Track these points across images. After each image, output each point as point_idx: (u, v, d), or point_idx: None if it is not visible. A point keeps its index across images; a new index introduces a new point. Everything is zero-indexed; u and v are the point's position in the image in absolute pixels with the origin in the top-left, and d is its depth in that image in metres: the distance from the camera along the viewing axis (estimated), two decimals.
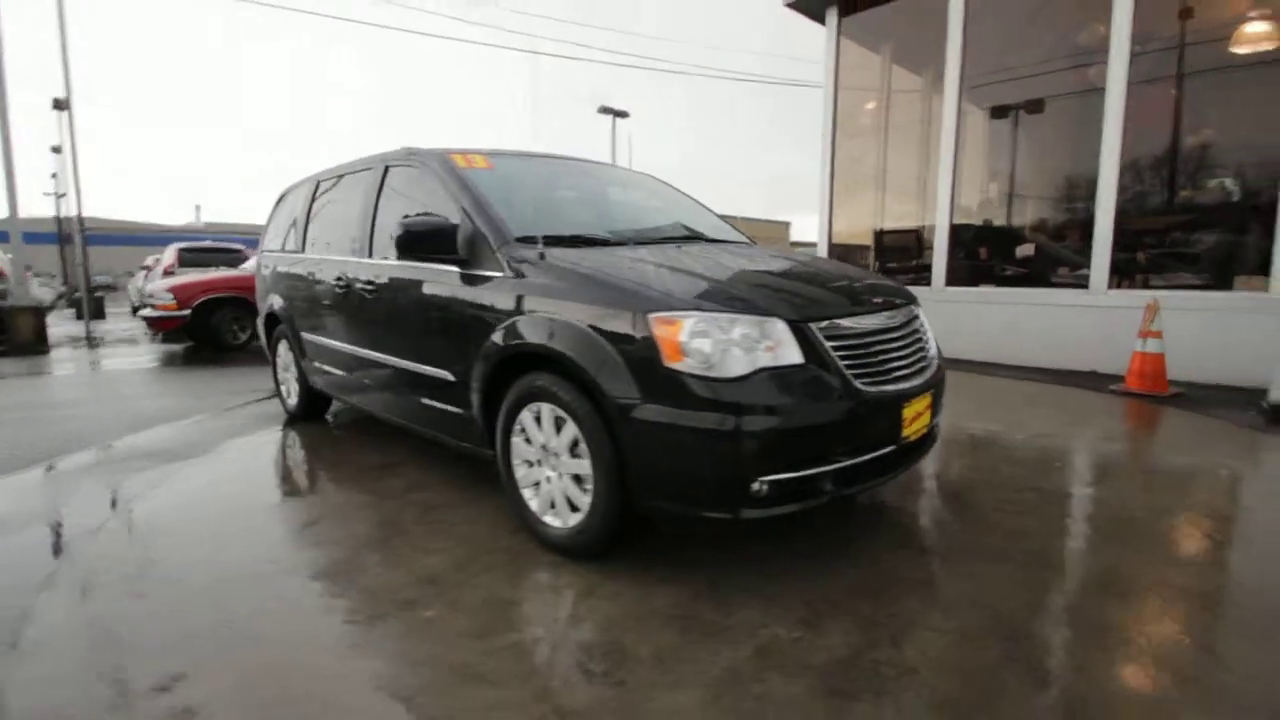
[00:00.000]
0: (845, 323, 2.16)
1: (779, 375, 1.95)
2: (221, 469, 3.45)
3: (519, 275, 2.39)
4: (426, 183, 2.98)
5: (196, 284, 8.34)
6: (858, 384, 2.07)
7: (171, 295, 8.11)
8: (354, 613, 1.98)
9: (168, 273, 11.02)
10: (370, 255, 3.24)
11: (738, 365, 1.93)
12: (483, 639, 1.85)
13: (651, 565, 2.23)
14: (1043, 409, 4.45)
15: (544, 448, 2.33)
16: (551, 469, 2.33)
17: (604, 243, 2.71)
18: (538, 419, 2.34)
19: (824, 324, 2.09)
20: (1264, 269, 4.81)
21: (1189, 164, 5.50)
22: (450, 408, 2.74)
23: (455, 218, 2.68)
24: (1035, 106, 6.35)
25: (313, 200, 4.02)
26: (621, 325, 2.04)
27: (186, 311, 8.12)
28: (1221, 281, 5.12)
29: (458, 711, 1.54)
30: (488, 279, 2.50)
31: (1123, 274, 5.56)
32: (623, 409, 2.00)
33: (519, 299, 2.35)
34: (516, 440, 2.44)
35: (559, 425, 2.25)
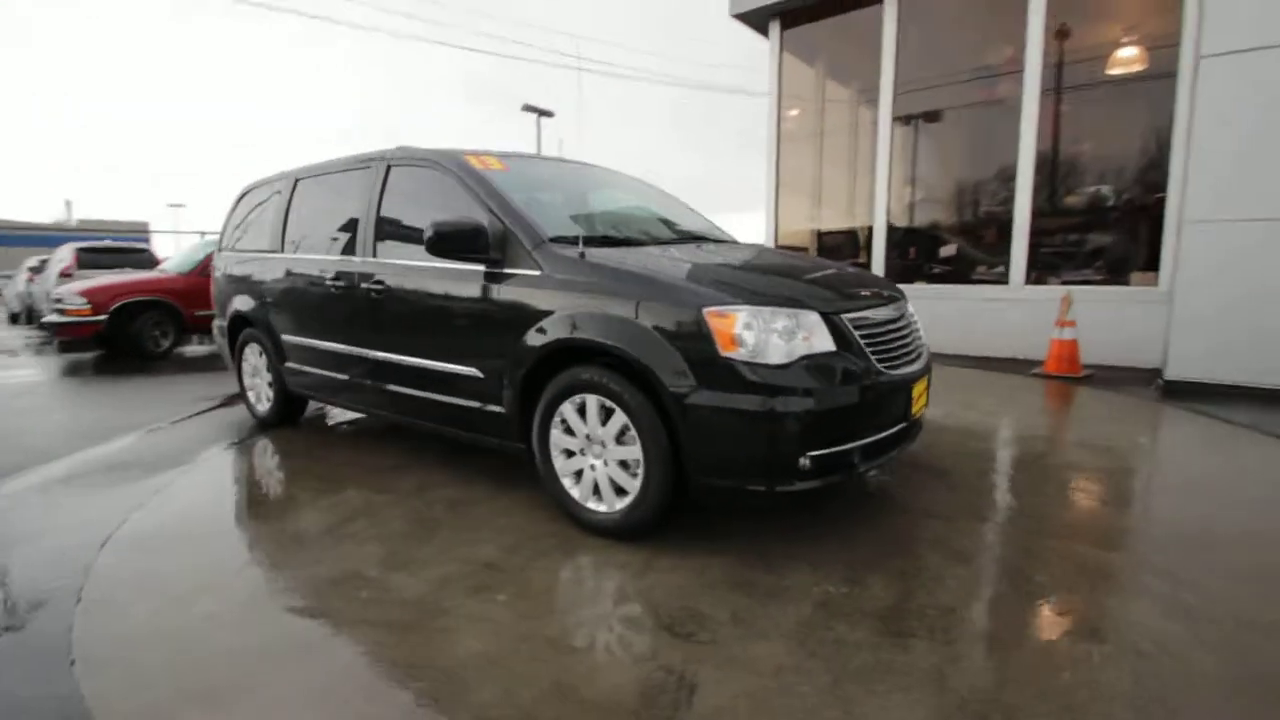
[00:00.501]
0: (866, 314, 2.43)
1: (819, 361, 2.19)
2: (215, 477, 3.33)
3: (558, 273, 2.51)
4: (441, 183, 3.02)
5: (113, 287, 7.70)
6: (880, 368, 2.35)
7: (84, 299, 7.45)
8: (434, 602, 2.05)
9: (65, 275, 10.04)
10: (374, 255, 3.23)
11: (784, 353, 2.15)
12: (565, 614, 1.98)
13: (694, 541, 2.41)
14: (981, 392, 4.98)
15: (588, 437, 2.47)
16: (595, 457, 2.47)
17: (630, 242, 2.86)
18: (580, 410, 2.47)
19: (851, 315, 2.35)
20: (1155, 265, 5.58)
21: (1088, 172, 6.26)
22: (476, 404, 2.80)
23: (478, 218, 2.75)
24: (957, 117, 7.01)
25: (291, 198, 3.91)
26: (676, 320, 2.21)
27: (102, 317, 7.49)
28: (1118, 277, 5.89)
29: (574, 678, 1.67)
30: (522, 277, 2.60)
31: (1036, 270, 6.26)
32: (679, 396, 2.17)
33: (562, 296, 2.47)
34: (555, 432, 2.56)
35: (605, 415, 2.39)
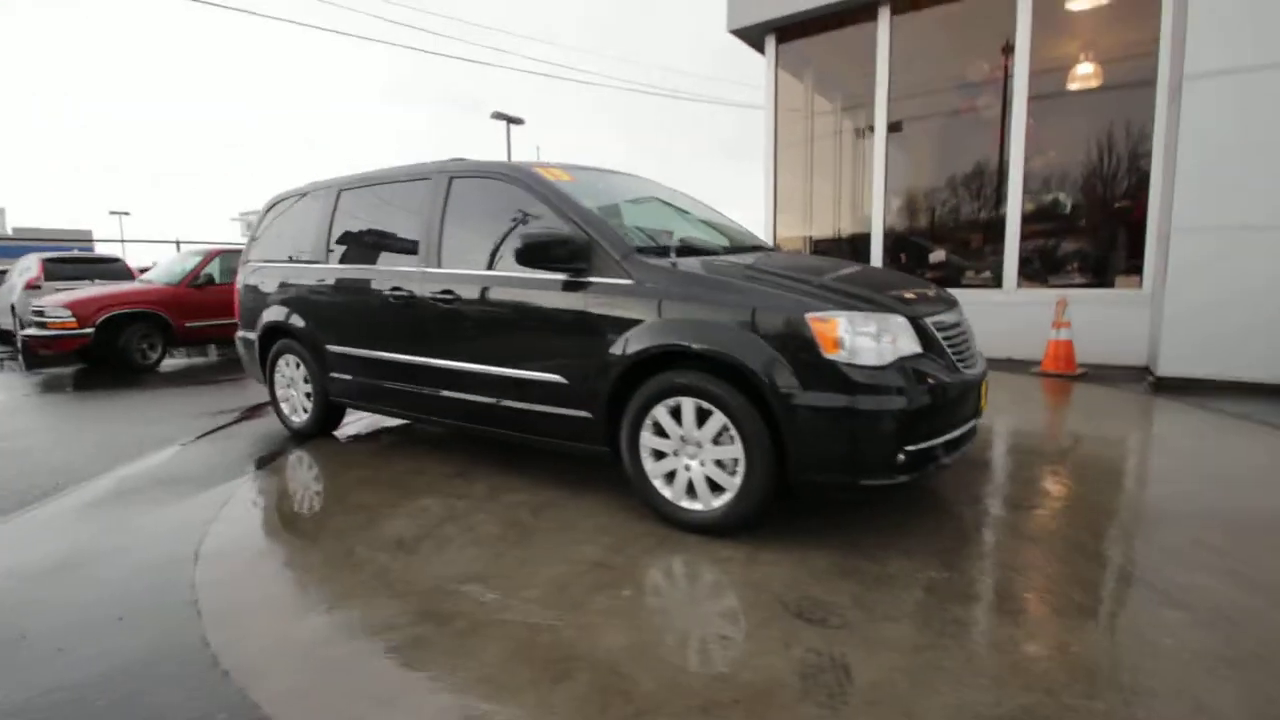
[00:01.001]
0: (940, 318, 2.60)
1: (911, 363, 2.35)
2: (278, 487, 3.31)
3: (650, 282, 2.61)
4: (509, 195, 3.09)
5: (100, 298, 7.43)
6: (959, 368, 2.52)
7: (69, 312, 7.16)
8: (563, 600, 2.12)
9: (32, 287, 9.60)
10: (440, 265, 3.28)
11: (881, 355, 2.30)
12: (693, 606, 2.08)
13: (785, 535, 2.54)
14: (992, 390, 5.24)
15: (682, 439, 2.57)
16: (689, 458, 2.57)
17: (703, 251, 2.98)
18: (673, 413, 2.57)
19: (931, 319, 2.52)
20: (1138, 269, 5.98)
21: (1071, 182, 6.66)
22: (558, 409, 2.88)
23: (563, 229, 2.83)
24: (949, 128, 7.35)
25: (334, 209, 3.91)
26: (780, 325, 2.34)
27: (88, 330, 7.21)
28: (1103, 280, 6.29)
29: (729, 665, 1.77)
30: (611, 286, 2.69)
31: (1026, 276, 6.62)
32: (786, 397, 2.30)
33: (657, 304, 2.57)
34: (645, 434, 2.65)
35: (702, 417, 2.50)
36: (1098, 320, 5.99)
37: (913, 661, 1.75)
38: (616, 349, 2.65)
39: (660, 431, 2.62)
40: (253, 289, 4.43)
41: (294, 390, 4.26)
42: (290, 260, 4.16)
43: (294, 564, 2.46)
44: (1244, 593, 2.07)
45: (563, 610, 2.06)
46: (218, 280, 8.08)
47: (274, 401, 4.41)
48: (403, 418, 3.97)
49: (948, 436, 2.46)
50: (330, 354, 3.86)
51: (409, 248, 3.45)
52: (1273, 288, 4.71)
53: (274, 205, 4.47)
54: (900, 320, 2.40)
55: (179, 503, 3.12)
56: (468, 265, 3.21)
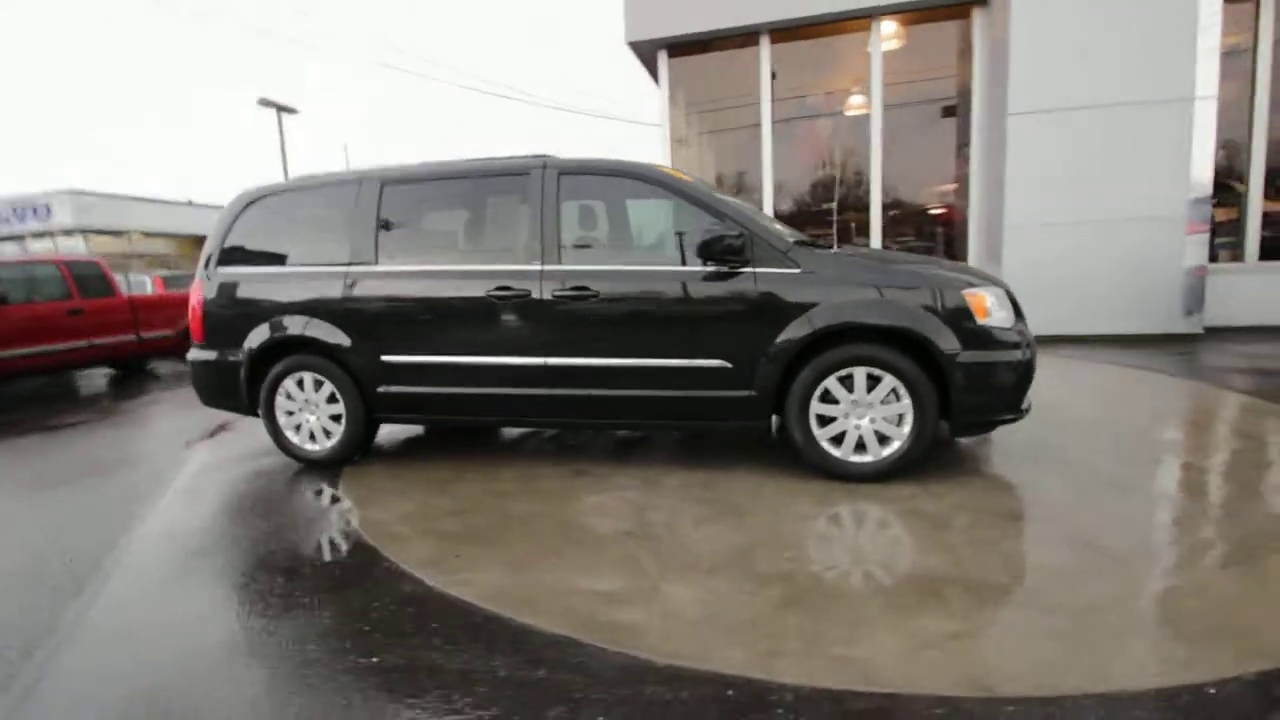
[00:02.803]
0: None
1: (1020, 325, 3.08)
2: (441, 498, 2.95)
3: (820, 270, 2.98)
4: (640, 192, 3.21)
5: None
6: None
7: None
8: (857, 543, 2.43)
9: None
10: (559, 262, 3.22)
11: (1008, 320, 2.99)
12: (951, 531, 2.55)
13: (926, 475, 3.12)
14: None
15: (853, 402, 3.00)
16: (858, 418, 3.01)
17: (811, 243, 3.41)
18: (843, 381, 2.99)
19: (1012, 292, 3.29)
20: (964, 257, 7.77)
21: (914, 184, 8.33)
22: (721, 392, 3.09)
23: (695, 224, 3.07)
24: (820, 137, 8.61)
25: (379, 204, 3.50)
26: (943, 300, 2.89)
27: None
28: None
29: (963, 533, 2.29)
30: (779, 275, 3.00)
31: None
32: (950, 357, 2.87)
33: (830, 288, 2.95)
34: (815, 403, 3.03)
35: (872, 382, 2.97)
36: None
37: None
38: (791, 331, 2.97)
39: (826, 399, 3.02)
40: (234, 301, 3.71)
41: (309, 414, 3.69)
42: (311, 264, 3.59)
43: (525, 557, 2.36)
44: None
45: (860, 549, 2.38)
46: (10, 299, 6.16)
47: (274, 431, 3.75)
48: (482, 425, 3.74)
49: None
50: (386, 365, 3.47)
51: (505, 244, 3.31)
52: (1063, 259, 6.58)
53: (255, 202, 3.77)
54: (1005, 292, 3.13)
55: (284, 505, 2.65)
56: (593, 261, 3.22)
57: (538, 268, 3.25)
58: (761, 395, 3.07)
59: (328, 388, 3.62)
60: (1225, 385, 4.64)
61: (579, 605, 2.10)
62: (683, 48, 7.99)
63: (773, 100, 7.81)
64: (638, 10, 7.64)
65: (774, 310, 3.00)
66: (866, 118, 7.68)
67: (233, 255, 3.77)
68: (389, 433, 4.36)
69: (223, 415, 4.94)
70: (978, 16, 7.11)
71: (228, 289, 3.73)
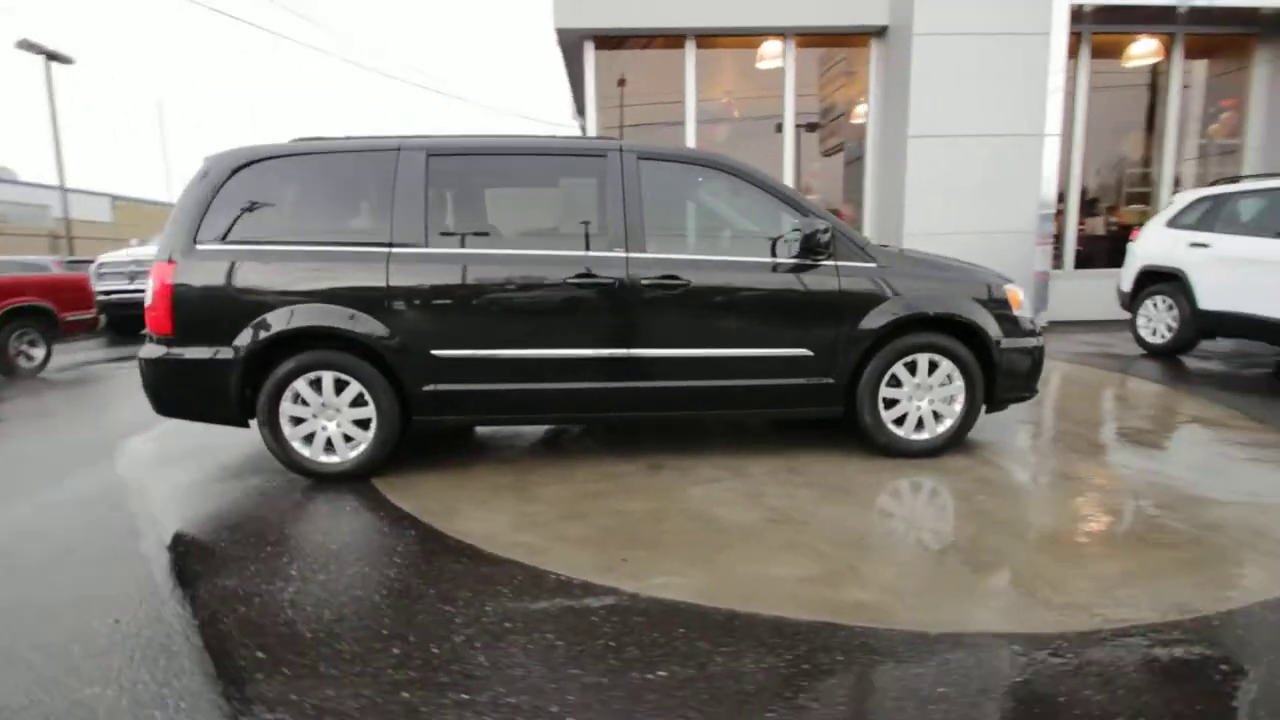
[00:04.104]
0: None
1: (1035, 318, 3.61)
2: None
3: (893, 265, 3.24)
4: (709, 178, 3.24)
5: None
6: None
7: None
8: (955, 509, 2.71)
9: None
10: (644, 250, 3.12)
11: (1028, 312, 3.50)
12: (1009, 490, 2.94)
13: (959, 451, 3.54)
14: None
15: (916, 386, 3.31)
16: (918, 400, 3.33)
17: None
18: (910, 367, 3.29)
19: None
20: None
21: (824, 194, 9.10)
22: (804, 379, 3.23)
23: (768, 216, 3.21)
24: (746, 145, 9.03)
25: (426, 178, 3.09)
26: (990, 294, 3.31)
27: None
28: None
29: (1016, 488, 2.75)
30: (860, 269, 3.21)
31: None
32: (996, 343, 3.29)
33: (899, 283, 3.22)
34: (883, 387, 3.29)
35: (932, 367, 3.30)
36: None
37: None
38: (870, 320, 3.20)
39: (898, 383, 3.30)
40: (222, 287, 3.05)
41: (325, 421, 3.16)
42: (334, 244, 3.07)
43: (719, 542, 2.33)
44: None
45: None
46: None
47: (280, 442, 3.14)
48: (541, 423, 3.49)
49: None
50: (437, 360, 3.09)
51: (579, 229, 3.13)
52: None
53: (245, 166, 3.12)
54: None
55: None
56: (675, 250, 3.18)
57: (622, 254, 3.12)
58: (838, 382, 3.26)
59: (353, 388, 3.13)
60: (1084, 363, 5.80)
61: (800, 592, 2.11)
62: (609, 40, 7.97)
63: (696, 98, 8.09)
64: None
65: (855, 301, 3.20)
66: (780, 124, 8.28)
67: (216, 230, 3.09)
68: None
69: (134, 417, 4.03)
70: (874, 46, 8.02)
71: (213, 271, 3.06)
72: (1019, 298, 3.41)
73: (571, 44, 7.98)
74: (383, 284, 3.06)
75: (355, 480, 3.18)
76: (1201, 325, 5.58)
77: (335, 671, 1.73)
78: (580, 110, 11.67)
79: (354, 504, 2.94)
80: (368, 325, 3.06)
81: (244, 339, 3.05)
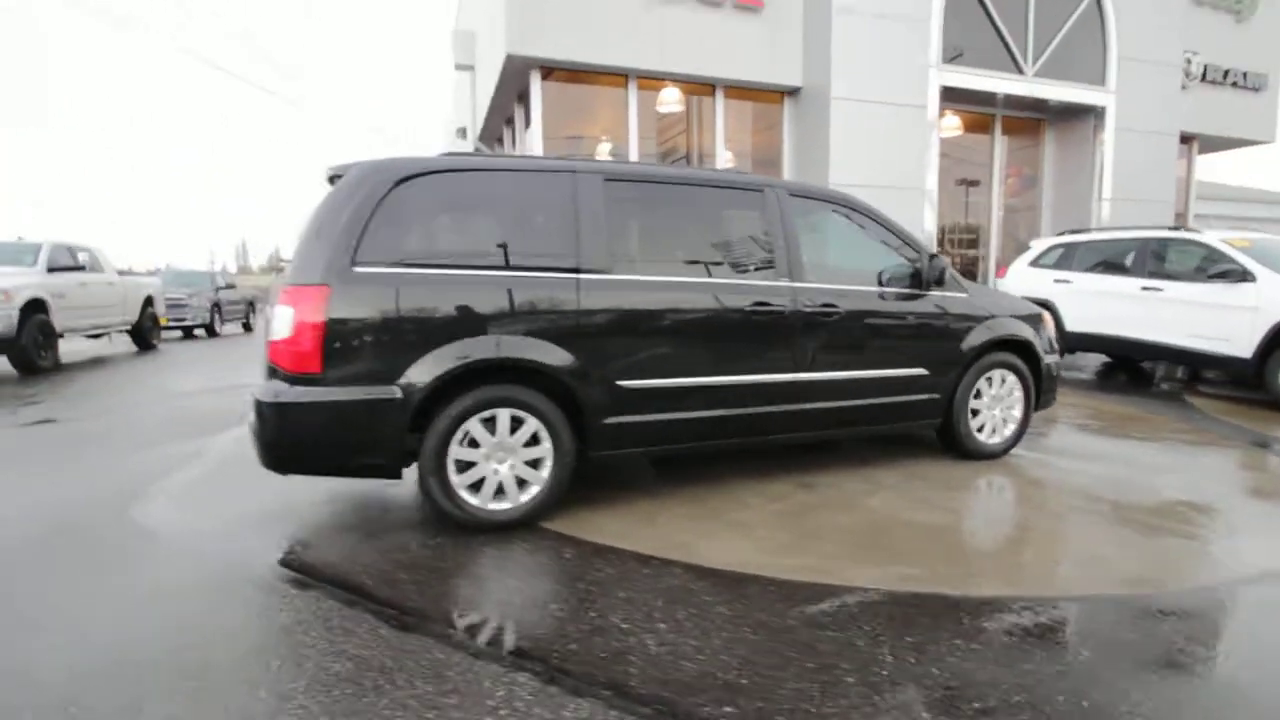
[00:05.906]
0: None
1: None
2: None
3: (977, 296, 3.86)
4: (839, 215, 3.63)
5: None
6: None
7: None
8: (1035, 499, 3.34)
9: None
10: (803, 279, 3.34)
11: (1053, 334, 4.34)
12: (1070, 486, 3.67)
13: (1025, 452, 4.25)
14: None
15: (993, 397, 3.94)
16: (992, 409, 3.96)
17: None
18: (989, 380, 3.91)
19: None
20: None
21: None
22: (918, 396, 3.69)
23: (888, 254, 3.67)
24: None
25: (606, 205, 2.99)
26: (1037, 319, 4.08)
27: None
28: None
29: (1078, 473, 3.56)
30: (957, 299, 3.76)
31: None
32: (1040, 358, 4.06)
33: (986, 308, 3.83)
34: (971, 399, 3.87)
35: (1003, 380, 3.96)
36: None
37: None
38: (967, 342, 3.76)
39: (980, 395, 3.89)
40: (390, 315, 2.66)
41: (496, 464, 2.87)
42: (515, 269, 2.83)
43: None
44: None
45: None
46: None
47: (445, 491, 2.77)
48: (710, 450, 3.57)
49: None
50: (624, 391, 2.99)
51: (746, 260, 3.27)
52: None
53: (406, 180, 2.75)
54: None
55: None
56: (824, 280, 3.46)
57: (788, 284, 3.31)
58: (943, 397, 3.76)
59: (530, 425, 2.88)
60: None
61: (1064, 574, 2.50)
62: (555, 72, 7.99)
63: (639, 132, 8.42)
64: (523, 27, 7.35)
65: (959, 326, 3.75)
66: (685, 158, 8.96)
67: (378, 250, 2.68)
68: None
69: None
70: (788, 104, 9.04)
71: (380, 297, 2.65)
72: (1050, 321, 4.23)
73: (517, 70, 7.86)
74: (573, 310, 2.90)
75: (516, 528, 2.89)
76: (1069, 343, 7.17)
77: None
78: (479, 133, 11.35)
79: (547, 552, 2.72)
80: (557, 356, 2.87)
81: (414, 375, 2.68)
